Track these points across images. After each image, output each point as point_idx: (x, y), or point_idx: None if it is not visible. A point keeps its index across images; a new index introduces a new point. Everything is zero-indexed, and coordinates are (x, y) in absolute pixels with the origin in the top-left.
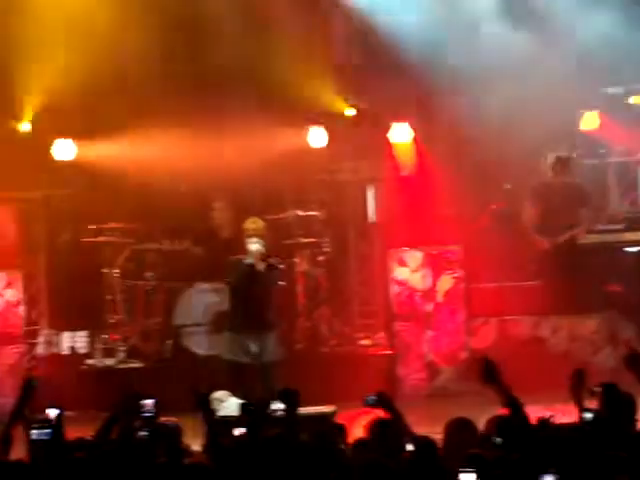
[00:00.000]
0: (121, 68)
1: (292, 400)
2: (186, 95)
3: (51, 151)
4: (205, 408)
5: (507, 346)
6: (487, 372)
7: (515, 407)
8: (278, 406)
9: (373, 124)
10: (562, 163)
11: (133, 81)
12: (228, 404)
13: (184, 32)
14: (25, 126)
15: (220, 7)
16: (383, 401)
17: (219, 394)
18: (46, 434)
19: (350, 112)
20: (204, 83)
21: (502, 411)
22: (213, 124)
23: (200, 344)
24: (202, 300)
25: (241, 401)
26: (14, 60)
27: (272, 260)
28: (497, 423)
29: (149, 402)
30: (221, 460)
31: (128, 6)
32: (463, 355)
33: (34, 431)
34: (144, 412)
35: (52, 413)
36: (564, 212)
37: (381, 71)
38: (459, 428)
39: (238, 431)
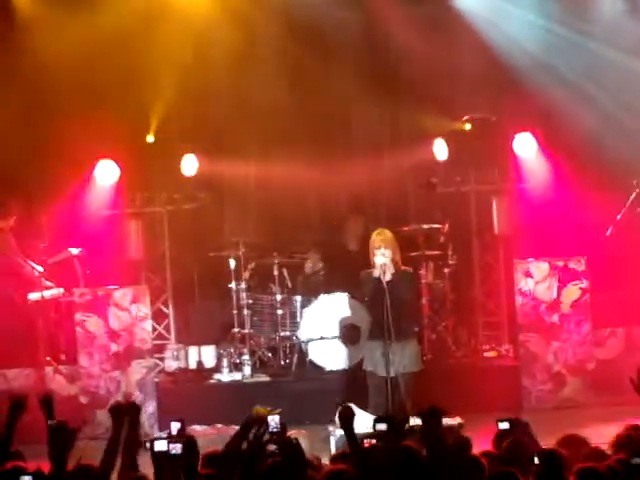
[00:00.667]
0: (248, 93)
1: (437, 418)
2: (314, 117)
3: (180, 166)
4: (348, 423)
5: (635, 357)
6: None
7: None
8: (417, 422)
9: (497, 135)
10: None
11: (259, 107)
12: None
13: (312, 58)
14: (153, 141)
15: (344, 31)
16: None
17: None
18: (177, 448)
19: (471, 123)
20: (330, 102)
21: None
22: (340, 140)
23: (327, 358)
24: (329, 313)
25: (370, 414)
26: (143, 81)
27: (399, 271)
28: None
29: (275, 417)
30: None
31: (257, 33)
32: (590, 366)
33: (165, 446)
34: (271, 427)
35: (174, 427)
36: None
37: (505, 82)
38: (568, 443)
39: (367, 442)
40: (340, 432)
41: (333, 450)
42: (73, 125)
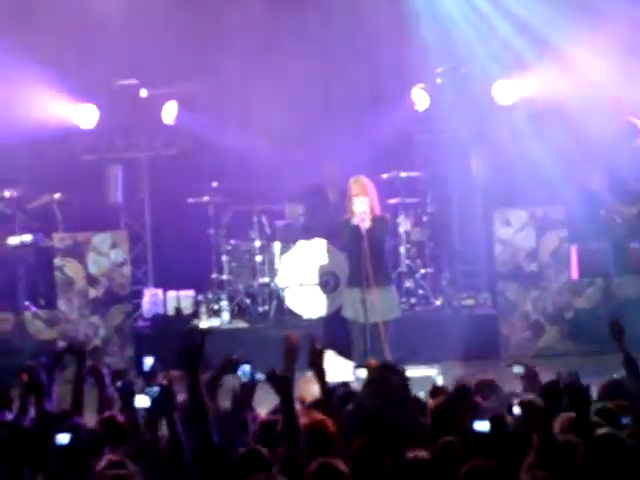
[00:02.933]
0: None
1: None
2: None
3: (161, 114)
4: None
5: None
6: (616, 331)
7: (633, 369)
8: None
9: (474, 84)
10: None
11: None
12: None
13: None
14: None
15: None
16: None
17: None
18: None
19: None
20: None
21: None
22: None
23: (305, 305)
24: (308, 260)
25: (350, 362)
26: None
27: (377, 217)
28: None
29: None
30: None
31: None
32: (568, 315)
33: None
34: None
35: (148, 362)
36: None
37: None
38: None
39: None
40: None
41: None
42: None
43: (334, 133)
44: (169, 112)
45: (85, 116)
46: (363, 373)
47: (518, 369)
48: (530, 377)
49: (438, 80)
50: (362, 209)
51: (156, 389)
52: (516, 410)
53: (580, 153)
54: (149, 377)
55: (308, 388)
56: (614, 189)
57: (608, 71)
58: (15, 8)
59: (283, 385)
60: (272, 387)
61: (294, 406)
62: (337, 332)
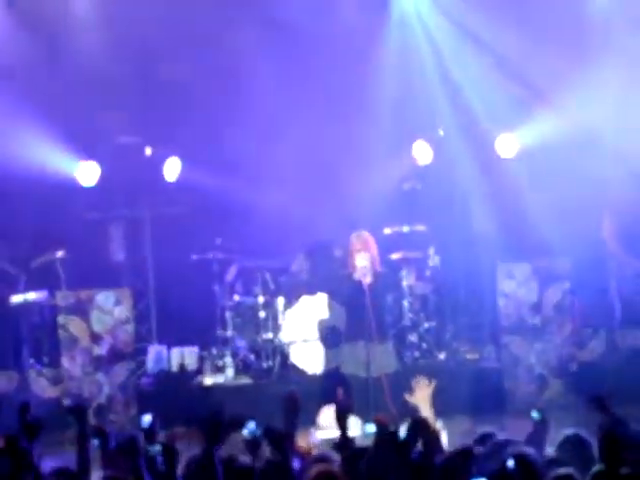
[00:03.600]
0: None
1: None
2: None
3: (162, 171)
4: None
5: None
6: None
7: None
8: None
9: (477, 137)
10: None
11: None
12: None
13: None
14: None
15: None
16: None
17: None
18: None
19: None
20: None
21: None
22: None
23: (309, 360)
24: (311, 315)
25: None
26: None
27: (379, 273)
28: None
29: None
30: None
31: None
32: (572, 368)
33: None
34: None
35: (146, 419)
36: None
37: None
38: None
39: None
40: (322, 435)
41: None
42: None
43: (337, 188)
44: (171, 169)
45: (87, 173)
46: (372, 428)
47: (535, 414)
48: (543, 425)
49: (441, 132)
50: (363, 264)
51: (158, 447)
52: (510, 463)
53: (587, 200)
54: (148, 434)
55: (309, 441)
56: (624, 238)
57: (607, 110)
58: (20, 60)
59: (279, 441)
60: (269, 443)
61: (291, 462)
62: (337, 387)
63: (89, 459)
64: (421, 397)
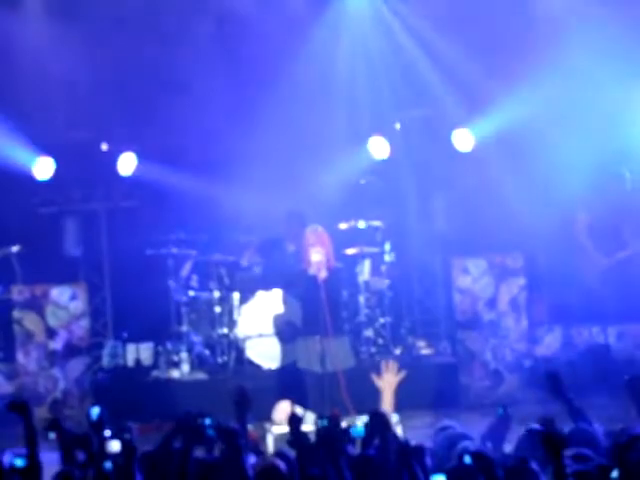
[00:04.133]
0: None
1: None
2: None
3: (117, 165)
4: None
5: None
6: (552, 385)
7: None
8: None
9: (433, 131)
10: None
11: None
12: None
13: None
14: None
15: None
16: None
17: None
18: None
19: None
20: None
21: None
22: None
23: (264, 356)
24: (267, 311)
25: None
26: None
27: (334, 268)
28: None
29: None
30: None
31: None
32: (527, 363)
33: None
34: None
35: (94, 412)
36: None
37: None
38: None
39: None
40: (278, 430)
41: (271, 449)
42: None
43: (292, 183)
44: (126, 164)
45: (42, 168)
46: (325, 424)
47: (500, 410)
48: (505, 422)
49: (397, 126)
50: (318, 259)
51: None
52: (467, 460)
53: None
54: (97, 427)
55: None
56: (596, 232)
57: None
58: None
59: (230, 438)
60: (220, 439)
61: (243, 458)
62: (293, 383)
63: (37, 454)
64: (388, 382)
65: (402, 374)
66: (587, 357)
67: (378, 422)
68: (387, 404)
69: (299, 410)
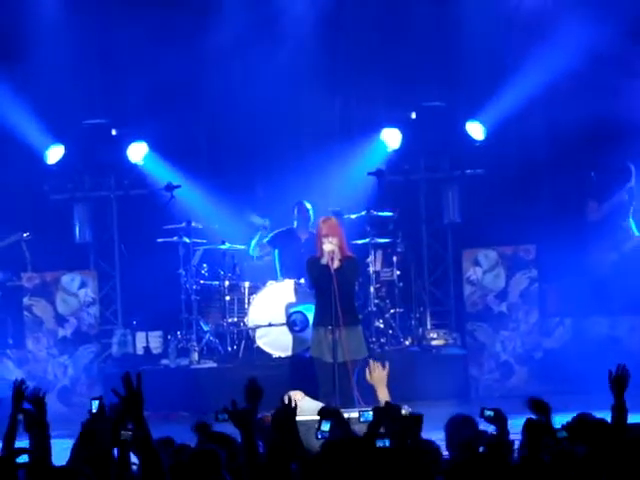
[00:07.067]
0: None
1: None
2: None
3: (128, 153)
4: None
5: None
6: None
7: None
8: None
9: (448, 122)
10: None
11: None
12: (306, 406)
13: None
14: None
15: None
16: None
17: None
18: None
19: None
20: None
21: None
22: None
23: (274, 345)
24: (277, 300)
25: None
26: None
27: (346, 258)
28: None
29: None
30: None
31: None
32: (537, 355)
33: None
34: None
35: (95, 404)
36: None
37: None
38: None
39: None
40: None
41: None
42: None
43: (305, 172)
44: (138, 152)
45: (53, 155)
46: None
47: (489, 412)
48: (500, 420)
49: (413, 115)
50: (331, 249)
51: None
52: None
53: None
54: (98, 418)
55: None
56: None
57: None
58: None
59: (244, 419)
60: (233, 422)
61: (254, 440)
62: (305, 372)
63: (49, 448)
64: (378, 378)
65: (387, 367)
66: (597, 350)
67: (383, 414)
68: (383, 397)
69: (309, 399)
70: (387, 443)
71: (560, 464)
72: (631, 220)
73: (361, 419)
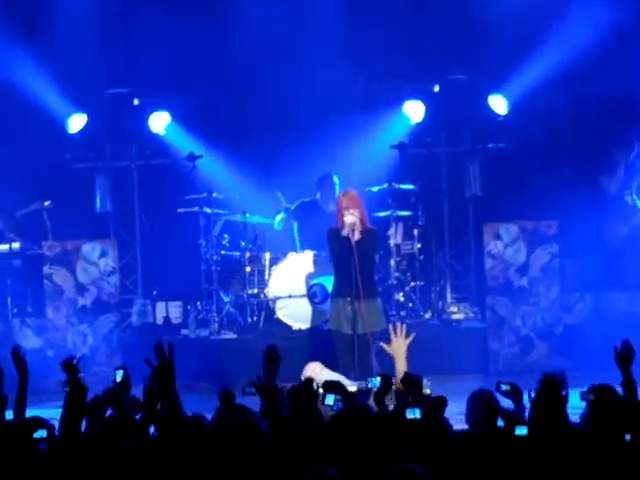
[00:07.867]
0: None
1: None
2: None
3: (150, 122)
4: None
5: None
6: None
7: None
8: (375, 384)
9: (469, 96)
10: None
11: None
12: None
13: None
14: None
15: None
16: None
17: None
18: None
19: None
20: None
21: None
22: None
23: (294, 316)
24: (298, 272)
25: (340, 374)
26: None
27: (367, 230)
28: None
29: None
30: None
31: None
32: (558, 330)
33: None
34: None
35: (119, 373)
36: None
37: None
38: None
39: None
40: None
41: None
42: None
43: (328, 145)
44: (159, 122)
45: (75, 124)
46: (353, 388)
47: (505, 386)
48: (516, 394)
49: (436, 88)
50: (352, 221)
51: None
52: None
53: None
54: (122, 388)
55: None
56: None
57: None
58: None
59: (270, 393)
60: (260, 395)
61: (280, 413)
62: (324, 344)
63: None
64: (398, 347)
65: (411, 337)
66: (617, 325)
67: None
68: (400, 368)
69: (328, 371)
70: (417, 413)
71: None
72: (634, 195)
73: (369, 385)
